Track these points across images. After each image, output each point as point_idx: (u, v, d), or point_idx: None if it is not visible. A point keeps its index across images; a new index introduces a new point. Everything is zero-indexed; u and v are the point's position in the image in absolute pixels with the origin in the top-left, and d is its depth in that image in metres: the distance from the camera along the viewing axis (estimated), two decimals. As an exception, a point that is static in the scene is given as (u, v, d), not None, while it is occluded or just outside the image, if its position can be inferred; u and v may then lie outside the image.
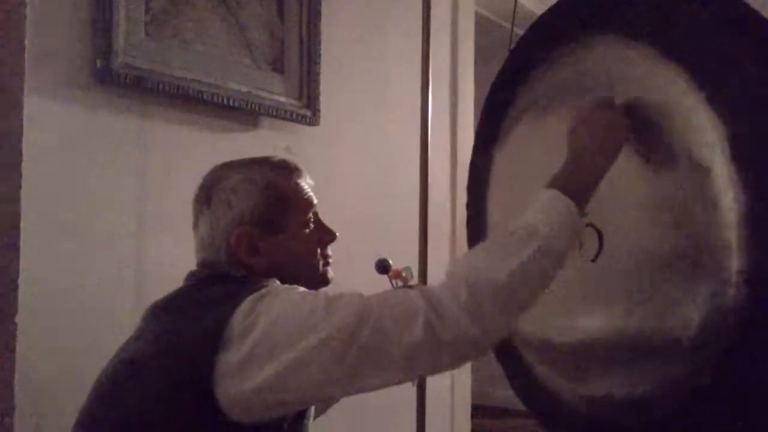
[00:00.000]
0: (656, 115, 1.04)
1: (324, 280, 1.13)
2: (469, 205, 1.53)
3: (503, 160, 1.42)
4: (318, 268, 1.12)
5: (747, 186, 0.92)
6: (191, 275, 1.06)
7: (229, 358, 0.86)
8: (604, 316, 1.11)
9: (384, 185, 2.12)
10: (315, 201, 1.12)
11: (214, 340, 0.87)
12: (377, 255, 1.51)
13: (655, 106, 1.04)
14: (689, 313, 1.00)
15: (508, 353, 1.38)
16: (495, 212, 1.45)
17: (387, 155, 2.14)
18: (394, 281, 1.53)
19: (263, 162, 1.09)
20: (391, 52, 2.16)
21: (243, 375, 0.86)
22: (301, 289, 0.95)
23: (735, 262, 0.94)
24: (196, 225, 1.07)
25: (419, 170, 1.57)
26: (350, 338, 0.85)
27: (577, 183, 0.99)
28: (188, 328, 0.91)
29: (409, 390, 1.52)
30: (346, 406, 1.17)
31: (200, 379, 0.86)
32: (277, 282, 0.98)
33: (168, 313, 0.98)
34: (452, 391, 2.41)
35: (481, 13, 2.65)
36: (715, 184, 0.96)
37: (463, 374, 2.47)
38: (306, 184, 1.11)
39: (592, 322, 1.18)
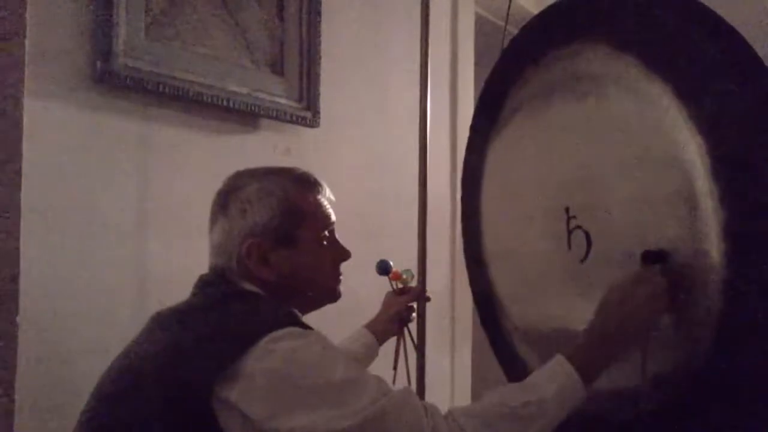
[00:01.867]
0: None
1: (333, 297, 1.14)
2: (464, 200, 1.55)
3: (497, 155, 1.44)
4: (329, 285, 1.12)
5: (725, 200, 0.94)
6: (202, 283, 1.05)
7: (230, 395, 0.87)
8: (587, 312, 1.10)
9: (384, 187, 2.12)
10: (333, 218, 1.11)
11: (219, 372, 0.88)
12: (378, 256, 1.52)
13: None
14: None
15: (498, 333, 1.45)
16: (488, 207, 1.49)
17: (387, 157, 2.13)
18: (394, 283, 1.53)
19: (285, 173, 1.09)
20: (392, 53, 2.16)
21: (240, 413, 0.87)
22: (320, 344, 0.94)
23: (716, 270, 0.96)
24: (211, 229, 1.07)
25: (418, 172, 1.57)
26: None
27: (596, 366, 1.02)
28: (197, 351, 0.91)
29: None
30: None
31: (200, 404, 0.87)
32: (294, 325, 0.95)
33: (177, 327, 0.98)
34: (452, 394, 2.41)
35: (481, 14, 2.66)
36: (695, 197, 0.98)
37: (463, 378, 2.47)
38: (326, 200, 1.11)
39: (576, 315, 1.19)
